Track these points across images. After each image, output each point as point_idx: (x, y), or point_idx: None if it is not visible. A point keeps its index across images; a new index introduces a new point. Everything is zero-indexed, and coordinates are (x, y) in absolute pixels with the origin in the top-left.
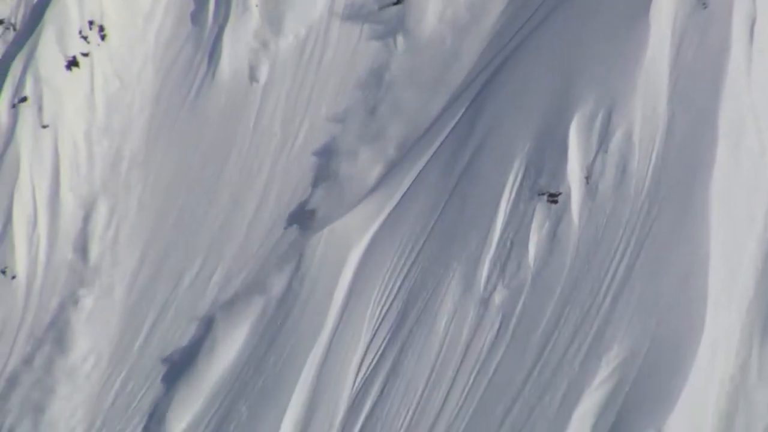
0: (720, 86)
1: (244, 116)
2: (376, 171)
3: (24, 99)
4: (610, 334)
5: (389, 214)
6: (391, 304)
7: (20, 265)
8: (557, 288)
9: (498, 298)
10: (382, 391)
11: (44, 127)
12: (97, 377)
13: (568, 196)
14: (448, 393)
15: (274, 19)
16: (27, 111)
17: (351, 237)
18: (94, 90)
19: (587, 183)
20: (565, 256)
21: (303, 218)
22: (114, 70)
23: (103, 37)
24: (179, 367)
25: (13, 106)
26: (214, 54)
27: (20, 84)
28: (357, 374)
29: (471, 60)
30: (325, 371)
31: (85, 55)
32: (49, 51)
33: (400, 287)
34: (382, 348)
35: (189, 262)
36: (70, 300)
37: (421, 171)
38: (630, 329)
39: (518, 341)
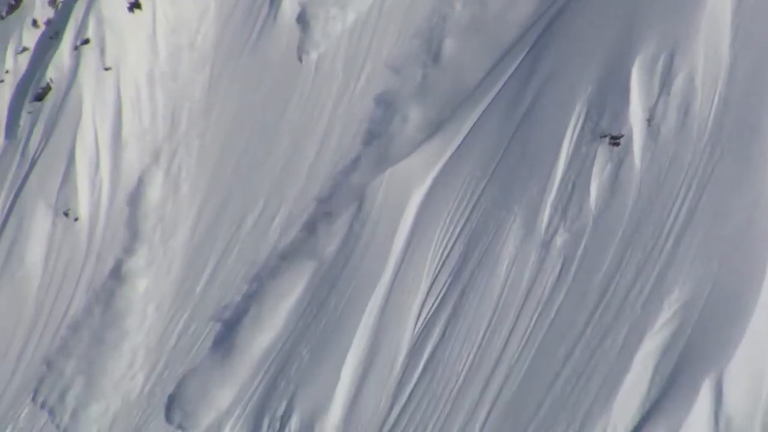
0: None
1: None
2: (432, 118)
3: (86, 41)
4: (672, 277)
5: (450, 157)
6: (452, 247)
7: (83, 207)
8: (619, 231)
9: (559, 241)
10: (443, 334)
11: (106, 69)
12: (158, 321)
13: (630, 138)
14: (510, 336)
15: None
16: (89, 53)
17: (412, 180)
18: (156, 33)
19: (649, 125)
20: (626, 199)
21: (364, 161)
22: (175, 13)
23: None
24: (240, 309)
25: (76, 48)
26: None
27: (83, 26)
28: (418, 317)
29: (530, 9)
30: (387, 314)
31: None
32: None
33: (461, 230)
34: (443, 291)
35: (250, 205)
36: (132, 244)
37: (482, 114)
38: (692, 272)
39: (580, 284)
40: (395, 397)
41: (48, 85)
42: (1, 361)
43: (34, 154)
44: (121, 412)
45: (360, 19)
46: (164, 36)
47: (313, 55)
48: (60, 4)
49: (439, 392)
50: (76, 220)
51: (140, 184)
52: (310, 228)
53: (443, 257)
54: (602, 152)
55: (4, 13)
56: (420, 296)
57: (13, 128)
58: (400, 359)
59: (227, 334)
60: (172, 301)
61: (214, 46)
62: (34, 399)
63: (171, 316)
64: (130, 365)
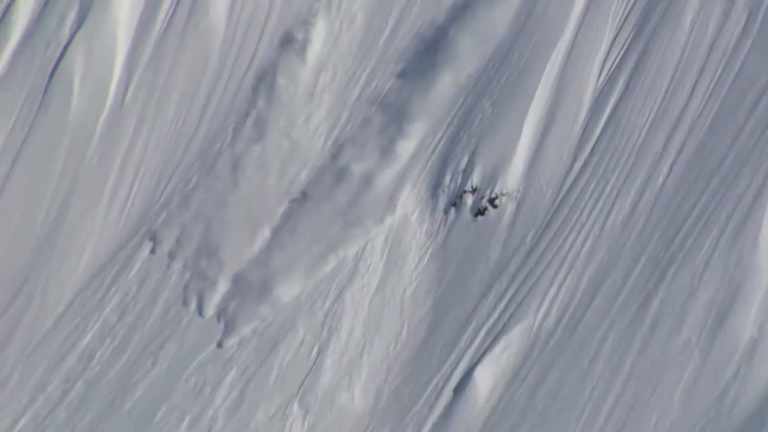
0: None
1: None
2: None
3: None
4: None
5: None
6: (635, 1)
7: None
8: None
9: None
10: (626, 88)
11: None
12: (341, 74)
13: None
14: (693, 89)
15: None
16: None
17: None
18: None
19: None
20: None
21: None
22: None
23: None
24: (423, 61)
25: None
26: None
27: None
28: (601, 71)
29: None
30: (569, 69)
31: None
32: None
33: None
34: (626, 45)
35: None
36: None
37: None
38: None
39: (765, 37)
40: (577, 151)
41: None
42: (187, 110)
43: None
44: (306, 158)
45: None
46: None
47: None
48: None
49: (622, 146)
50: None
51: None
52: None
53: (626, 11)
54: None
55: None
56: (602, 51)
57: None
58: (583, 113)
59: (409, 86)
60: (355, 54)
61: None
62: (215, 156)
63: (354, 70)
64: (309, 118)
